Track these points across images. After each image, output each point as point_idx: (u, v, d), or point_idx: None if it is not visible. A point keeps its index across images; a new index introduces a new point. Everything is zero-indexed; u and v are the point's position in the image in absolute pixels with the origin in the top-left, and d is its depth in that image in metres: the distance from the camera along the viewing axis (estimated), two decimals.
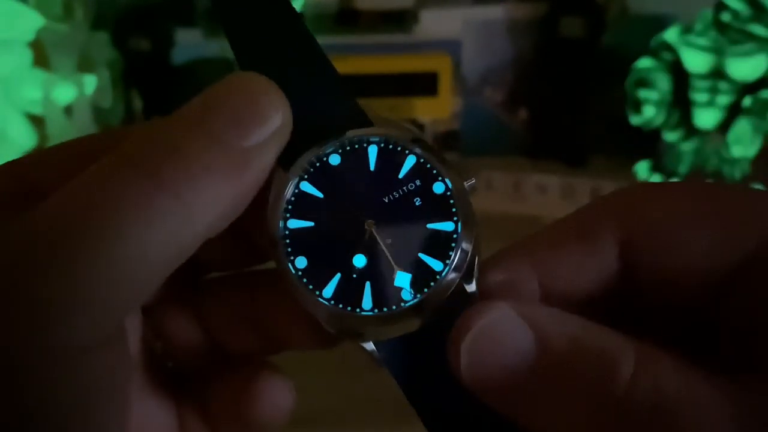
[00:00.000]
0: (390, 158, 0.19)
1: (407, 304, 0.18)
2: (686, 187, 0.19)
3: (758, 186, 0.69)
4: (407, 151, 0.19)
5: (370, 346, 0.19)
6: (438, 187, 0.19)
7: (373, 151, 0.19)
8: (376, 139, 0.19)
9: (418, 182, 0.19)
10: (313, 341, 0.20)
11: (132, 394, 0.19)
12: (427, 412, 0.19)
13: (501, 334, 0.17)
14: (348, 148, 0.19)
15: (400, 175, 0.19)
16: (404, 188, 0.19)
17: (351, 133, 0.19)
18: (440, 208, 0.19)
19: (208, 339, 0.21)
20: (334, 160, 0.19)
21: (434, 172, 0.19)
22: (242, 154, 0.17)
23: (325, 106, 0.19)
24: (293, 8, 0.20)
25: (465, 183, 0.19)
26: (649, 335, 0.17)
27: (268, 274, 0.21)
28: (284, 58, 0.19)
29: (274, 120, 0.17)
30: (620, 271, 0.19)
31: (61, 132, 0.67)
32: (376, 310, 0.18)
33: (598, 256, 0.18)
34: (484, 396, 0.17)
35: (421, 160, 0.19)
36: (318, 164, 0.19)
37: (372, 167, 0.19)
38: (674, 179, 0.70)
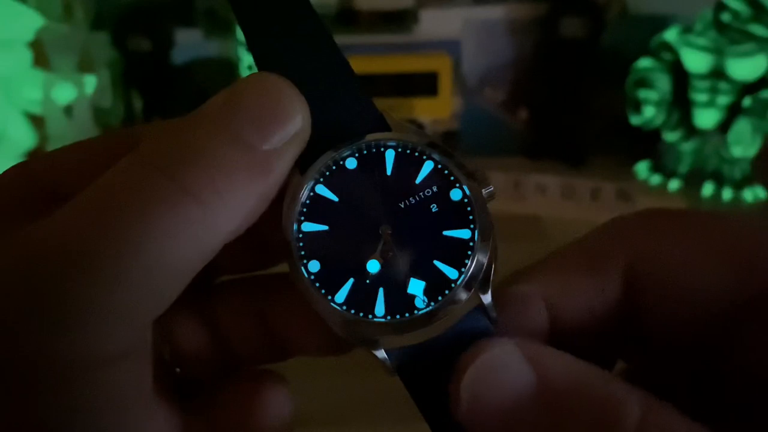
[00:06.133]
0: (407, 163, 0.19)
1: (420, 312, 0.18)
2: (697, 219, 0.18)
3: (758, 186, 0.69)
4: (425, 157, 0.19)
5: (381, 353, 0.18)
6: (455, 194, 0.19)
7: (390, 156, 0.19)
8: (393, 144, 0.19)
9: (435, 188, 0.19)
10: (325, 348, 0.20)
11: (150, 403, 0.19)
12: (437, 423, 0.18)
13: (501, 372, 0.16)
14: (365, 152, 0.19)
15: (417, 181, 0.19)
16: (421, 194, 0.19)
17: (368, 137, 0.19)
18: (457, 215, 0.18)
19: (217, 344, 0.21)
20: (351, 163, 0.19)
21: (451, 178, 0.19)
22: (264, 157, 0.17)
23: (343, 108, 0.19)
24: (312, 8, 0.19)
25: (483, 190, 0.19)
26: (652, 371, 0.17)
27: (278, 278, 0.21)
28: (303, 59, 0.19)
29: (295, 122, 0.17)
30: (627, 303, 0.18)
31: (61, 132, 0.67)
32: (388, 317, 0.18)
33: (604, 287, 0.18)
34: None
35: (439, 166, 0.19)
36: (334, 167, 0.19)
37: (389, 172, 0.19)
38: (674, 180, 0.70)
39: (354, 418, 0.44)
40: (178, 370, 0.21)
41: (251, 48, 0.19)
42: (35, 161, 0.19)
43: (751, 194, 0.68)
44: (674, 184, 0.70)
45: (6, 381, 0.15)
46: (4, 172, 0.19)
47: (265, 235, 0.19)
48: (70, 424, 0.15)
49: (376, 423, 0.43)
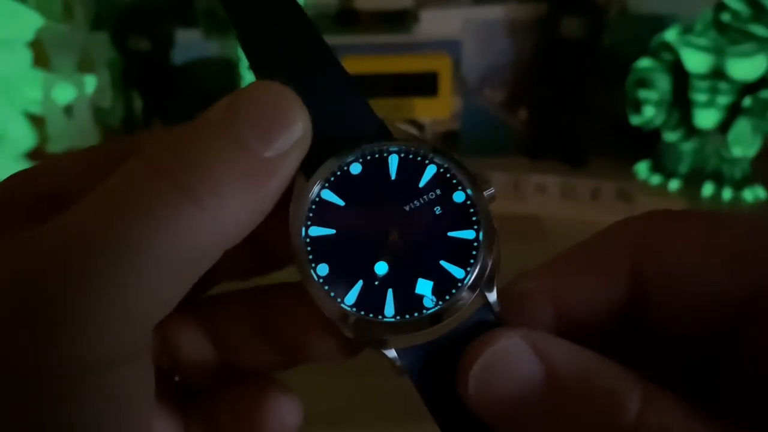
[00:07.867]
0: (410, 167, 0.19)
1: (429, 311, 0.18)
2: (702, 219, 0.19)
3: (758, 186, 0.69)
4: (427, 161, 0.19)
5: (392, 354, 0.19)
6: (458, 197, 0.19)
7: (393, 161, 0.19)
8: (396, 149, 0.19)
9: (438, 191, 0.19)
10: (334, 352, 0.20)
11: (151, 410, 0.19)
12: (447, 423, 0.19)
13: (509, 362, 0.17)
14: (369, 157, 0.19)
15: (421, 184, 0.19)
16: (425, 197, 0.19)
17: (371, 143, 0.19)
18: (460, 217, 0.19)
19: (217, 354, 0.21)
20: (355, 168, 0.19)
21: (454, 181, 0.19)
22: (266, 163, 0.17)
23: (344, 114, 0.20)
24: (305, 15, 0.20)
25: (485, 192, 0.19)
26: (657, 367, 0.17)
27: (281, 287, 0.21)
28: (300, 66, 0.20)
29: (296, 129, 0.17)
30: (632, 301, 0.19)
31: (61, 132, 0.67)
32: (398, 317, 0.18)
33: (611, 286, 0.19)
34: (489, 419, 0.17)
35: (441, 170, 0.19)
36: (339, 173, 0.19)
37: (393, 176, 0.19)
38: (674, 180, 0.70)
39: (354, 418, 0.44)
40: (176, 378, 0.21)
41: (247, 56, 0.20)
42: (36, 169, 0.19)
43: (751, 194, 0.68)
44: (674, 184, 0.70)
45: (5, 386, 0.15)
46: (6, 179, 0.19)
47: (266, 241, 0.19)
48: (69, 429, 0.15)
49: (376, 423, 0.44)
